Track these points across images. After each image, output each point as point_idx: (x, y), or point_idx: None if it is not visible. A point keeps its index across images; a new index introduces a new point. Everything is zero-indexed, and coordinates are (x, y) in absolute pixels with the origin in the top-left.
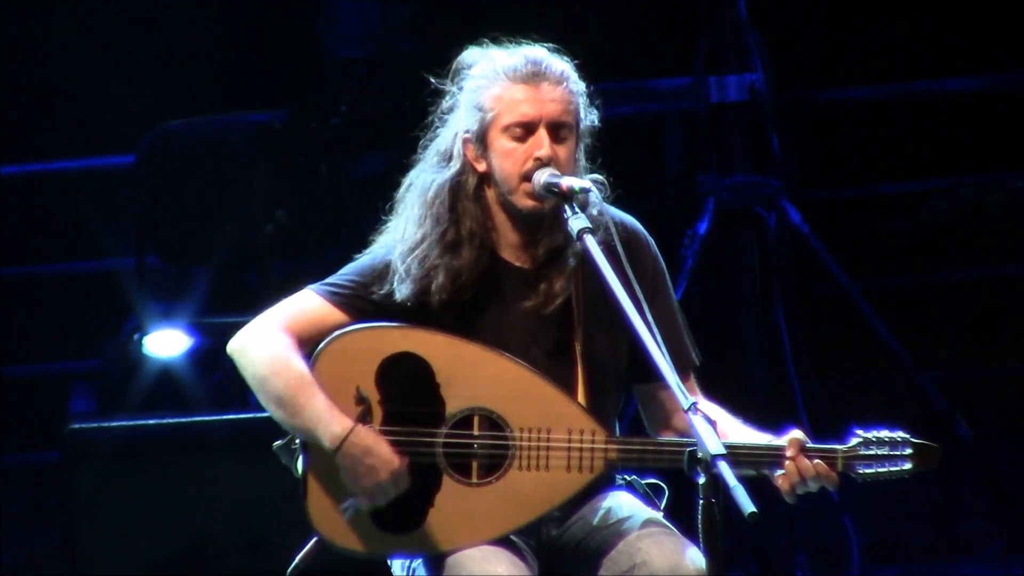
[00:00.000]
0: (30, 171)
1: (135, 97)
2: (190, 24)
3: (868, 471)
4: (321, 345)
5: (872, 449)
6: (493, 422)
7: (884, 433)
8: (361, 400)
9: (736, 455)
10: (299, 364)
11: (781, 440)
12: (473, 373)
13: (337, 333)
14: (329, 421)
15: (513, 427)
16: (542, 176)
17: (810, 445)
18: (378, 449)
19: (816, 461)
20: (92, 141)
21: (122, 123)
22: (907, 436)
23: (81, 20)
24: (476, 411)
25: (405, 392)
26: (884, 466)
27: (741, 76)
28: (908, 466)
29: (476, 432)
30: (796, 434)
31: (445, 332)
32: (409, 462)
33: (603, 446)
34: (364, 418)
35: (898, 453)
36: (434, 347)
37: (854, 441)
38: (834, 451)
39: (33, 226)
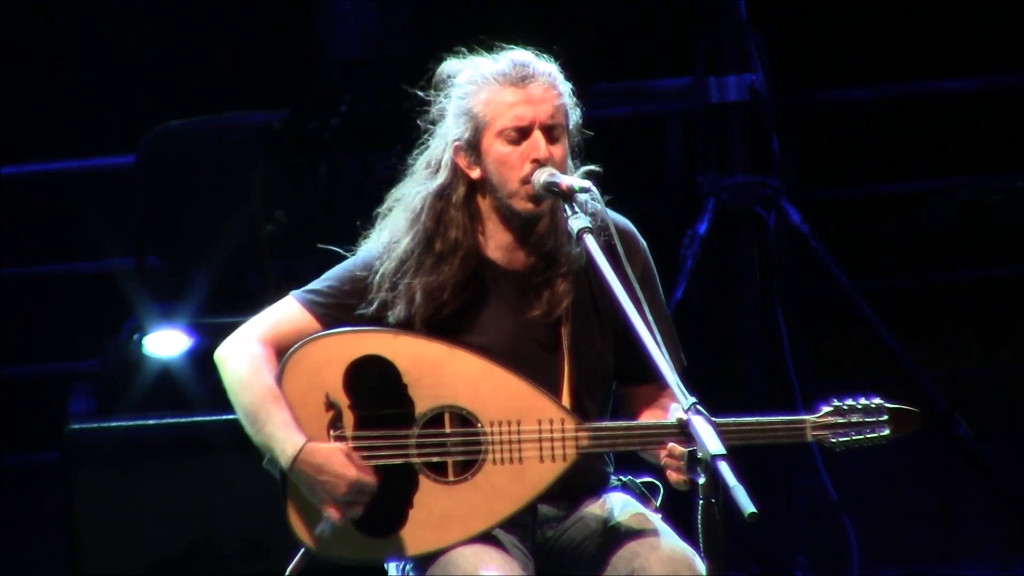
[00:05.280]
0: (30, 171)
1: (135, 97)
2: (190, 24)
3: (843, 439)
4: (287, 355)
5: (846, 417)
6: (464, 419)
7: (859, 400)
8: (331, 407)
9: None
10: (267, 378)
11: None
12: (439, 371)
13: (301, 343)
14: (282, 440)
15: (484, 422)
16: (541, 176)
17: (769, 418)
18: (330, 464)
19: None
20: (92, 141)
21: (122, 123)
22: (882, 402)
23: (81, 20)
24: (446, 409)
25: (374, 395)
26: (861, 433)
27: (741, 76)
28: (886, 432)
29: (448, 430)
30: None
31: (410, 333)
32: (377, 467)
33: (574, 433)
34: (335, 424)
35: (874, 420)
36: (398, 348)
37: (825, 410)
38: (802, 421)
39: (33, 226)
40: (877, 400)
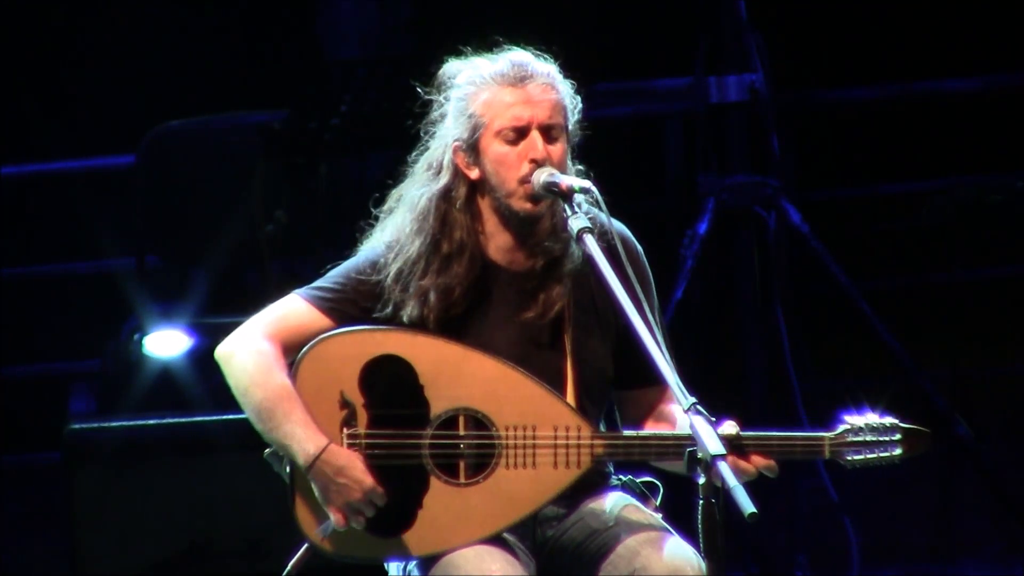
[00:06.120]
0: (30, 171)
1: (135, 97)
2: (190, 24)
3: (857, 458)
4: (302, 352)
5: (860, 436)
6: (478, 421)
7: (873, 419)
8: (345, 405)
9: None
10: (280, 376)
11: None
12: (456, 373)
13: (318, 339)
14: (303, 439)
15: (498, 426)
16: (541, 176)
17: (787, 433)
18: (350, 469)
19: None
20: (92, 141)
21: (122, 123)
22: (896, 421)
23: (81, 20)
24: (461, 411)
25: (389, 395)
26: (874, 452)
27: (741, 76)
28: (898, 451)
29: (462, 432)
30: (728, 427)
31: (427, 333)
32: (388, 467)
33: (589, 441)
34: (349, 422)
35: (887, 439)
36: (416, 348)
37: (841, 428)
38: (821, 439)
39: (33, 226)
40: (891, 419)
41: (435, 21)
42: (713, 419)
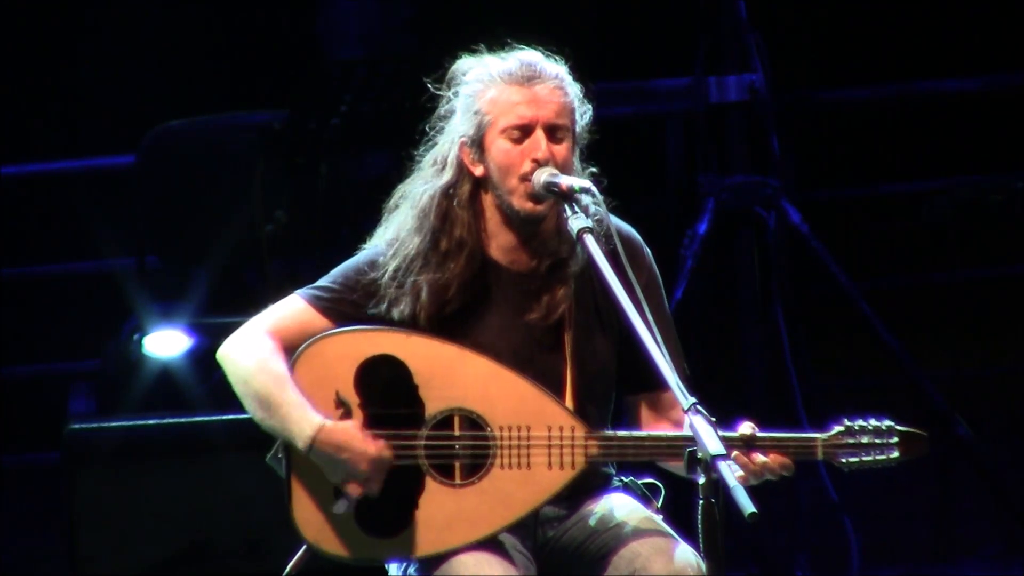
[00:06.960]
0: (30, 171)
1: (135, 97)
2: (190, 24)
3: (853, 460)
4: (299, 351)
5: (856, 438)
6: (473, 422)
7: (870, 422)
8: (341, 404)
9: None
10: (278, 365)
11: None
12: (451, 373)
13: (314, 338)
14: (299, 421)
15: (493, 426)
16: (542, 176)
17: (780, 434)
18: (350, 442)
19: (772, 455)
20: (92, 141)
21: (122, 123)
22: (893, 424)
23: (81, 20)
24: (456, 411)
25: (384, 395)
26: (870, 455)
27: (741, 76)
28: (896, 454)
29: (457, 432)
30: (745, 427)
31: (422, 334)
32: (388, 449)
33: (583, 442)
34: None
35: (884, 442)
36: (411, 349)
37: (836, 430)
38: (813, 440)
39: (33, 226)
40: (888, 422)
41: (436, 20)
42: (713, 419)
